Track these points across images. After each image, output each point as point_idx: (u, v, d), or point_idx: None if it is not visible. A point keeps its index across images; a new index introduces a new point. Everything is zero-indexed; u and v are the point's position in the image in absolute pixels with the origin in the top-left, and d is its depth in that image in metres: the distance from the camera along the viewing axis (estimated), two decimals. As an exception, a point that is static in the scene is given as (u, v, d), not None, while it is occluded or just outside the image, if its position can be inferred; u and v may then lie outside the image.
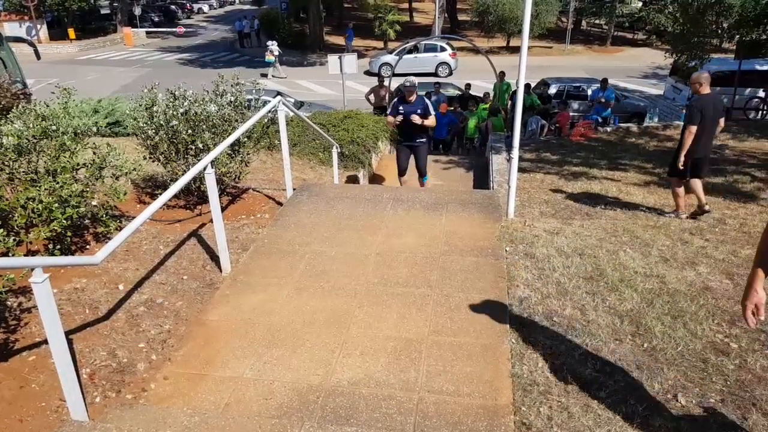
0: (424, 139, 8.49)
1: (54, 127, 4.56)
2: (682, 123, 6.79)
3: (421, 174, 8.62)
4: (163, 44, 37.89)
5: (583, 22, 41.73)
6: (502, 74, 15.04)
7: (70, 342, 3.44)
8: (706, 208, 6.62)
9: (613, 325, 4.11)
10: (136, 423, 3.12)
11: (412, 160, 8.51)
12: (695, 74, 6.56)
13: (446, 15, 38.38)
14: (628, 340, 3.93)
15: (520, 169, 8.06)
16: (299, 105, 15.76)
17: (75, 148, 4.60)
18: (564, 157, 10.60)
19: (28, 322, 3.86)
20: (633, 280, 4.76)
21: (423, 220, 5.83)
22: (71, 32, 35.24)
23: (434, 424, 3.17)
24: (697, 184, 6.60)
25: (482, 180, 9.97)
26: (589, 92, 16.52)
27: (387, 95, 15.13)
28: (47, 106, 4.94)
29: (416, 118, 7.87)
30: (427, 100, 8.41)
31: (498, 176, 8.90)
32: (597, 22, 42.02)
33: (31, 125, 4.54)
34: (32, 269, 2.70)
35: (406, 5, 45.26)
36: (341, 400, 3.38)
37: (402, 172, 8.57)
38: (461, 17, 42.79)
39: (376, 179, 10.62)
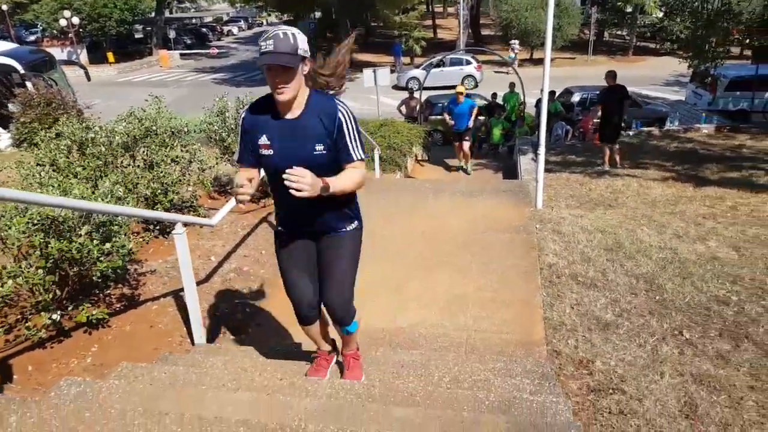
0: (352, 227, 2.87)
1: (154, 128, 5.47)
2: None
3: (340, 322, 2.96)
4: (198, 65, 39.40)
5: (605, 33, 42.24)
6: (512, 85, 15.96)
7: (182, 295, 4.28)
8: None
9: (629, 283, 4.82)
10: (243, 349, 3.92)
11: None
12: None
13: (470, 30, 39.30)
14: (643, 294, 4.64)
15: (547, 170, 8.77)
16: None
17: (174, 144, 5.51)
18: (588, 158, 11.28)
19: (145, 283, 4.73)
20: (648, 251, 5.46)
21: (461, 206, 6.60)
22: (110, 56, 36.87)
23: (481, 352, 3.92)
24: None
25: (511, 179, 10.69)
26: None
27: (417, 106, 16.02)
28: (144, 110, 5.85)
29: (300, 180, 2.30)
30: (343, 113, 2.73)
31: (526, 174, 9.63)
32: (619, 33, 42.52)
33: (135, 127, 5.45)
34: (174, 223, 3.54)
35: (430, 22, 46.37)
36: (403, 337, 4.14)
37: (305, 318, 2.97)
38: (484, 32, 43.67)
39: (411, 182, 11.43)
